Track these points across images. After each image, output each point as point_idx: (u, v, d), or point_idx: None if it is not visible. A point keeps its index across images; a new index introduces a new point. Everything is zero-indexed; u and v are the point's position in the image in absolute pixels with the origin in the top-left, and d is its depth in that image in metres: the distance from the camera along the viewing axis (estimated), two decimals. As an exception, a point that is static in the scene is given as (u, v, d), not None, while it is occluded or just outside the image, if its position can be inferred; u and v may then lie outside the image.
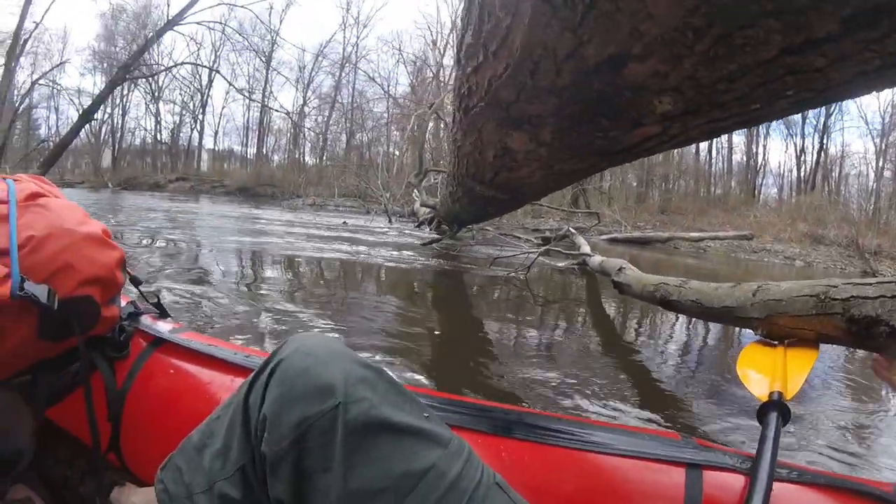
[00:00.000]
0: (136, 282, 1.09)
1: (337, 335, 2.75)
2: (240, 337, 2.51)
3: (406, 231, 9.61)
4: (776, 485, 0.70)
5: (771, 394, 0.95)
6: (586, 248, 6.07)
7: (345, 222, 11.00)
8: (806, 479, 0.73)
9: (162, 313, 1.15)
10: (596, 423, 0.86)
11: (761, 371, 1.13)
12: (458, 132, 1.80)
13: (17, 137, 22.39)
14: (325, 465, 0.55)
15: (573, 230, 8.23)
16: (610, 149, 1.20)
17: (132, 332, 1.03)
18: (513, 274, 5.21)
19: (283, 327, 2.73)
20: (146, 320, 1.08)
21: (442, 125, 18.62)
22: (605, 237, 10.93)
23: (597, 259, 4.87)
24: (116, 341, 0.98)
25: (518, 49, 0.96)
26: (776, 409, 0.89)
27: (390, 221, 11.58)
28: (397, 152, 24.15)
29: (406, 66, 28.87)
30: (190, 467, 0.65)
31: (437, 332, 3.17)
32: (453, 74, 1.99)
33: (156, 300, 1.16)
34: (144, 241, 5.79)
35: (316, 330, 2.82)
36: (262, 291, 3.70)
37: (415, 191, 10.75)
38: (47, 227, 0.82)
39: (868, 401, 2.42)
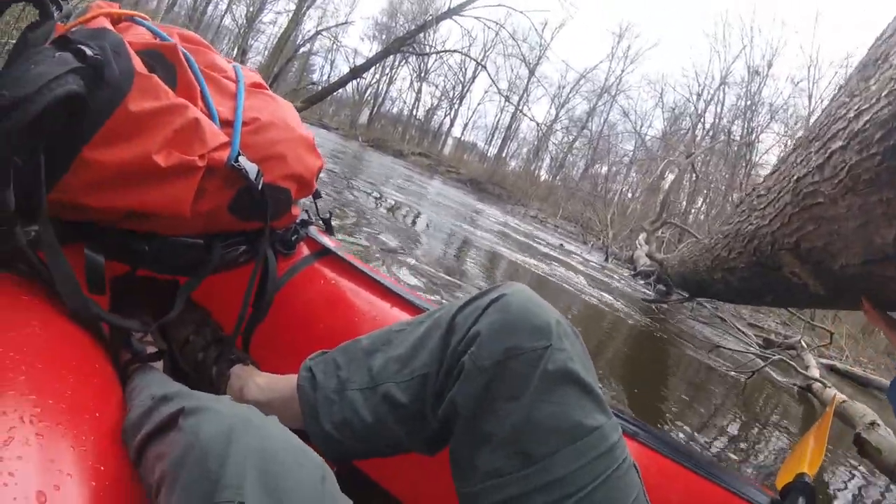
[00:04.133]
0: (317, 195, 1.10)
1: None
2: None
3: (622, 277, 9.02)
4: None
5: (797, 475, 0.86)
6: (816, 373, 4.90)
7: (561, 245, 10.84)
8: None
9: (328, 229, 1.18)
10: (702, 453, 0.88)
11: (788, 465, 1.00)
12: (839, 189, 1.22)
13: (291, 74, 25.81)
14: (514, 393, 0.58)
15: (804, 344, 6.85)
16: None
17: (303, 236, 1.06)
18: (733, 373, 4.40)
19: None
20: (314, 231, 1.11)
21: (688, 179, 17.44)
22: (823, 360, 8.99)
23: (834, 395, 3.78)
24: (287, 239, 1.02)
25: None
26: (800, 491, 0.82)
27: (606, 260, 11.04)
28: (631, 194, 23.24)
29: (663, 111, 27.75)
30: (352, 366, 0.69)
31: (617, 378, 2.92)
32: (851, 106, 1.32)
33: (328, 216, 1.20)
34: (373, 192, 6.10)
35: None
36: (453, 271, 3.65)
37: (641, 237, 9.94)
38: (272, 115, 0.86)
39: None
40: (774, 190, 1.68)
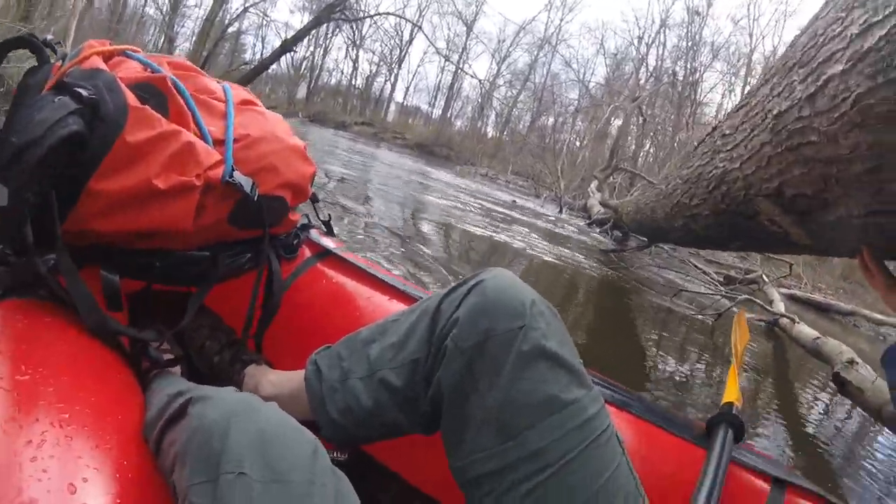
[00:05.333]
0: (314, 198, 1.15)
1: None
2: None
3: (578, 227, 9.06)
4: None
5: (724, 405, 0.87)
6: (781, 307, 4.89)
7: (514, 201, 10.84)
8: None
9: (329, 231, 1.24)
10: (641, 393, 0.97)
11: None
12: (841, 124, 0.98)
13: (222, 56, 24.60)
14: (493, 373, 0.62)
15: (766, 278, 6.85)
16: None
17: (303, 239, 1.12)
18: (700, 316, 4.40)
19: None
20: (315, 234, 1.16)
21: (635, 123, 17.43)
22: (783, 290, 9.04)
23: (806, 331, 3.69)
24: (289, 244, 1.07)
25: None
26: (728, 422, 0.81)
27: (560, 211, 11.11)
28: (579, 143, 23.25)
29: (605, 58, 27.96)
30: (353, 357, 0.74)
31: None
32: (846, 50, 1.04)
33: (327, 218, 1.25)
34: (321, 172, 5.89)
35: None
36: (408, 243, 3.62)
37: (593, 185, 9.87)
38: (262, 130, 0.91)
39: None
40: (744, 128, 1.46)
